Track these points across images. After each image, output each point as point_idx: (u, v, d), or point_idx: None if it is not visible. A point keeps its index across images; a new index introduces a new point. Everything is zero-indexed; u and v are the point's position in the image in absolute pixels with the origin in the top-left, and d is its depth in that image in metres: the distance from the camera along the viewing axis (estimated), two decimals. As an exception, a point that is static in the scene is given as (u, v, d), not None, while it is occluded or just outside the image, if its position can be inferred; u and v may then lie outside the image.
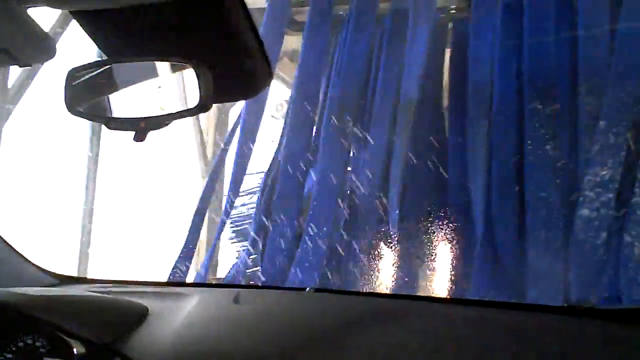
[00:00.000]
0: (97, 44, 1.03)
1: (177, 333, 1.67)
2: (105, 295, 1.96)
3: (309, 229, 4.90)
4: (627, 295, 4.18)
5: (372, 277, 4.42)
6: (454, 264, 4.42)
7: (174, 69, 1.02)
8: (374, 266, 4.52)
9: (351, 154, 5.56)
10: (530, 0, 5.08)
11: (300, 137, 5.58)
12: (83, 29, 0.99)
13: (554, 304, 2.88)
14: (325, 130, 5.49)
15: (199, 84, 0.94)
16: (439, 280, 4.26)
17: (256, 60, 0.96)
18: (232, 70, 0.99)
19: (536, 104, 4.80)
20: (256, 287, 2.47)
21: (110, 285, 2.17)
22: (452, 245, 4.46)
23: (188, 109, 0.96)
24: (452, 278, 4.33)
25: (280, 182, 5.44)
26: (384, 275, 4.41)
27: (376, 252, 4.68)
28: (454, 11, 5.79)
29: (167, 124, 0.99)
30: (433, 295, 2.78)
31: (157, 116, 0.99)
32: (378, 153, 5.27)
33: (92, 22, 0.98)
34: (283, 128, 5.85)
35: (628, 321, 1.50)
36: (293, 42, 5.95)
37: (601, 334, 1.50)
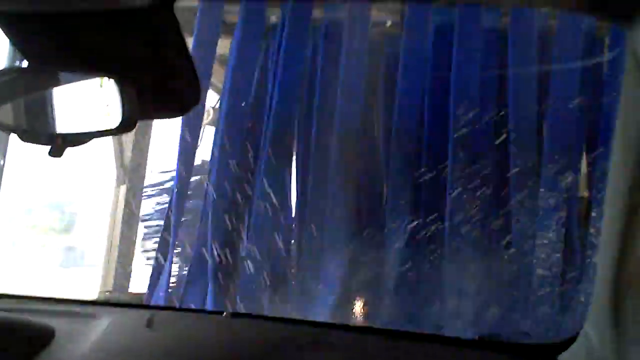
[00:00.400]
0: (17, 49, 0.98)
1: (82, 358, 1.58)
2: (6, 313, 1.84)
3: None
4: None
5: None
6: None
7: (97, 83, 0.98)
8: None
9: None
10: (461, 27, 4.77)
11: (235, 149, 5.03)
12: (3, 31, 0.94)
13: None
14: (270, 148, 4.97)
15: (122, 102, 0.90)
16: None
17: (185, 77, 0.94)
18: (159, 88, 0.96)
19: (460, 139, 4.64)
20: (172, 308, 2.39)
21: (13, 301, 2.03)
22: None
23: (110, 128, 0.92)
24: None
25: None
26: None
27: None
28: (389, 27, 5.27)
29: (86, 142, 0.95)
30: (352, 324, 2.78)
31: (76, 133, 0.95)
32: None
33: (12, 24, 0.93)
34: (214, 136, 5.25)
35: (534, 356, 1.58)
36: (222, 45, 5.32)
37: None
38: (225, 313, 1.91)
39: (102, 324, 1.75)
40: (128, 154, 6.22)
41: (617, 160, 1.03)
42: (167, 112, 1.08)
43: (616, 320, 1.25)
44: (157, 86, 0.96)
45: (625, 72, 0.92)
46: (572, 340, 1.50)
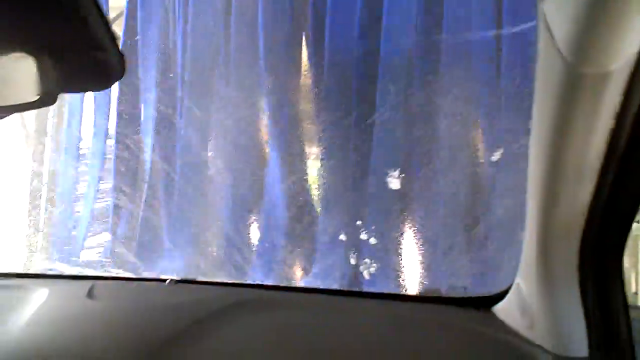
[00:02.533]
0: None
1: (20, 332, 1.55)
2: None
3: None
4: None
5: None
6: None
7: (11, 56, 0.92)
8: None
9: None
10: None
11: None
12: None
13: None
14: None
15: (39, 75, 0.86)
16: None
17: (107, 51, 0.91)
18: (79, 61, 0.92)
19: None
20: (113, 278, 2.35)
21: None
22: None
23: (28, 102, 0.88)
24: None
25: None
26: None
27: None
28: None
29: (3, 117, 0.90)
30: (296, 285, 2.81)
31: (-8, 108, 0.90)
32: None
33: None
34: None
35: (471, 309, 1.65)
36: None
37: (446, 319, 1.63)
38: (168, 280, 1.90)
39: (40, 296, 1.71)
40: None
41: (537, 123, 1.06)
42: (91, 85, 1.04)
43: (545, 272, 1.31)
44: (78, 59, 0.92)
45: (538, 42, 0.94)
46: (506, 292, 1.57)
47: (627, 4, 0.71)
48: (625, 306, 1.25)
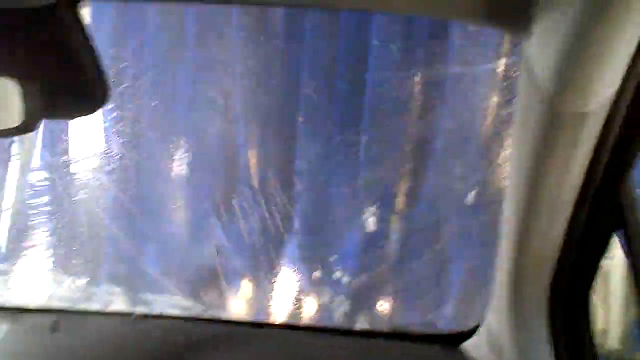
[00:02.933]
0: None
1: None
2: None
3: None
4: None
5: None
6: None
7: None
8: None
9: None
10: None
11: None
12: None
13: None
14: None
15: (24, 101, 0.85)
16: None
17: (92, 77, 0.90)
18: (64, 88, 0.91)
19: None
20: (78, 311, 2.27)
21: None
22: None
23: (9, 128, 0.86)
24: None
25: None
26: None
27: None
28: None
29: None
30: (263, 321, 2.76)
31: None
32: None
33: None
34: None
35: (440, 345, 1.65)
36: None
37: (415, 356, 1.64)
38: (134, 315, 1.85)
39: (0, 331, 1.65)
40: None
41: (515, 159, 1.09)
42: (74, 112, 1.03)
43: (516, 310, 1.33)
44: (62, 86, 0.91)
45: (519, 79, 0.98)
46: (475, 329, 1.58)
47: (607, 48, 0.75)
48: (593, 344, 1.27)
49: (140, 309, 2.04)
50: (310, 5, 1.37)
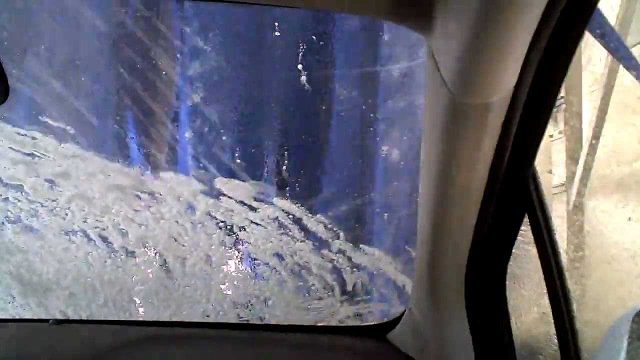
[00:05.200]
0: None
1: None
2: None
3: None
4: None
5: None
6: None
7: None
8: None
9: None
10: None
11: None
12: None
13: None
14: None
15: None
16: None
17: None
18: None
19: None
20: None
21: None
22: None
23: None
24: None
25: None
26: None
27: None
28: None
29: None
30: (192, 320, 2.70)
31: None
32: None
33: None
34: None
35: (366, 337, 1.68)
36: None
37: (343, 348, 1.66)
38: (50, 320, 1.77)
39: None
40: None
41: (425, 152, 1.11)
42: None
43: (435, 298, 1.36)
44: None
45: (425, 75, 1.00)
46: (399, 319, 1.61)
47: (506, 41, 0.77)
48: (509, 329, 1.31)
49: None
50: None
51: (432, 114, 0.99)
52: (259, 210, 3.58)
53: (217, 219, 3.52)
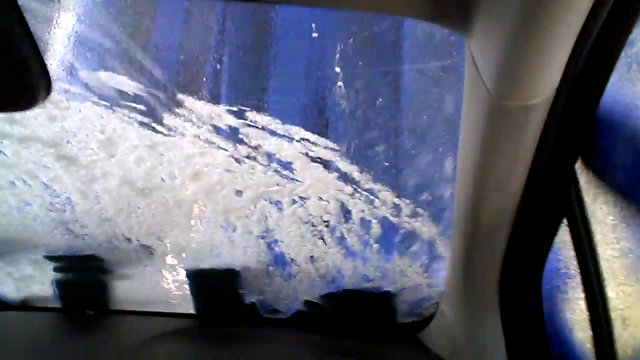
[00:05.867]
0: None
1: None
2: None
3: None
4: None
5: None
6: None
7: None
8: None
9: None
10: None
11: None
12: None
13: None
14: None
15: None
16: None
17: (32, 70, 0.86)
18: (3, 81, 0.87)
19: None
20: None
21: None
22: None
23: None
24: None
25: None
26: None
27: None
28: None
29: None
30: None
31: None
32: None
33: None
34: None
35: (397, 336, 1.66)
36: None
37: (372, 345, 1.65)
38: (87, 312, 1.83)
39: None
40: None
41: (463, 153, 1.10)
42: (14, 106, 0.98)
43: (468, 300, 1.34)
44: (2, 79, 0.86)
45: (464, 76, 0.98)
46: (430, 318, 1.60)
47: (547, 44, 0.75)
48: (544, 332, 1.29)
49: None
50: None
51: (470, 116, 0.97)
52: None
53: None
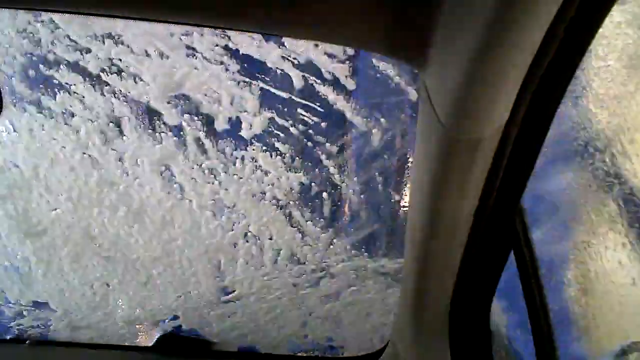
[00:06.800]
0: None
1: None
2: None
3: None
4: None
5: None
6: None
7: None
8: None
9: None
10: None
11: None
12: None
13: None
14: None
15: None
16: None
17: None
18: None
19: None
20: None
21: None
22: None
23: None
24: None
25: None
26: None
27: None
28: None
29: None
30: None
31: None
32: None
33: None
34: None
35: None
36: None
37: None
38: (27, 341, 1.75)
39: None
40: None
41: (414, 184, 1.12)
42: None
43: (418, 331, 1.35)
44: None
45: (419, 107, 1.01)
46: (381, 351, 1.60)
47: (499, 78, 0.78)
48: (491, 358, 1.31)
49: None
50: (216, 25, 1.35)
51: (423, 147, 0.99)
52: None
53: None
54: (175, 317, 2.03)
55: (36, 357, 1.70)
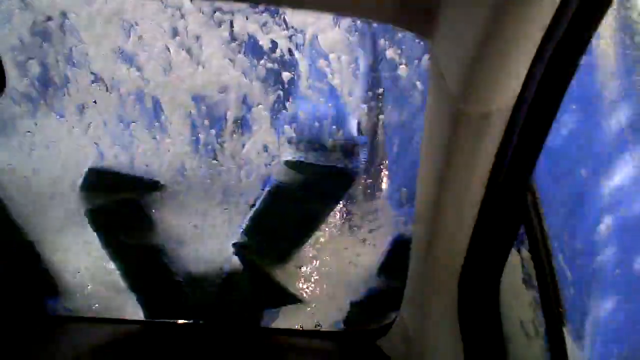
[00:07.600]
0: None
1: None
2: None
3: None
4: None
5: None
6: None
7: None
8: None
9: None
10: None
11: None
12: None
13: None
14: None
15: None
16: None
17: None
18: None
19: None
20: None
21: None
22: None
23: None
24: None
25: None
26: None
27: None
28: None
29: None
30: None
31: None
32: None
33: None
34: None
35: (356, 343, 1.67)
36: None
37: (331, 353, 1.65)
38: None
39: None
40: None
41: (424, 158, 1.11)
42: None
43: (427, 305, 1.35)
44: None
45: (428, 79, 0.99)
46: (390, 325, 1.60)
47: (510, 49, 0.76)
48: (501, 340, 1.31)
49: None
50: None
51: (433, 120, 0.98)
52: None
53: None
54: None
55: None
